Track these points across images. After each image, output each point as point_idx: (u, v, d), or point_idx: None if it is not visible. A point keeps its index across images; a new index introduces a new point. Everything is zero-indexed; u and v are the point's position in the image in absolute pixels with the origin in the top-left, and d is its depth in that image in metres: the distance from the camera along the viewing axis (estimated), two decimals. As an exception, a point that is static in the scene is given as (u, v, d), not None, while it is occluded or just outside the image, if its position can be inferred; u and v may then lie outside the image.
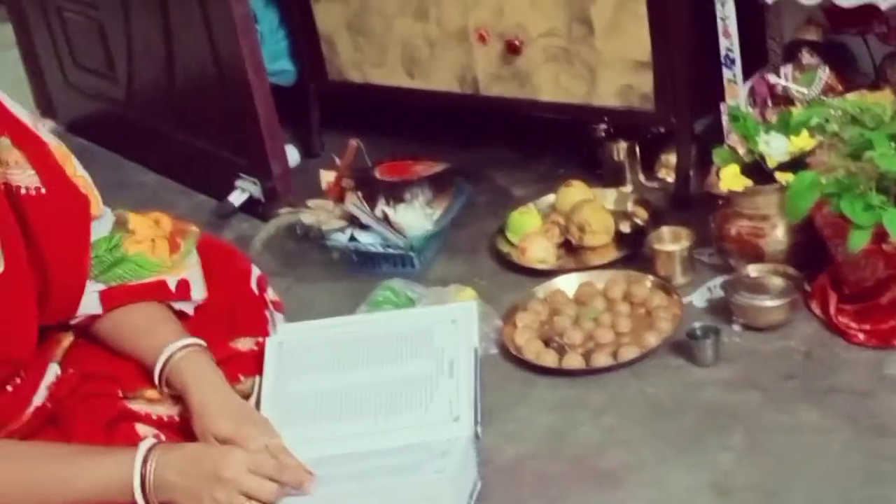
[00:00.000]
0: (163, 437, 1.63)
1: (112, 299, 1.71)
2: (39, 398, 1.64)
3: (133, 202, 2.84)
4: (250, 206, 2.66)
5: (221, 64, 2.54)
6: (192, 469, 1.54)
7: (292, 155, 2.76)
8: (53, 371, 1.68)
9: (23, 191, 1.60)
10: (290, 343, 1.85)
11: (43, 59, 3.20)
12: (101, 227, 1.73)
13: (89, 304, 1.71)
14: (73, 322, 1.72)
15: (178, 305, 1.78)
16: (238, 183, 2.65)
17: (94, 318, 1.72)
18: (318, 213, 2.44)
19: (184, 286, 1.77)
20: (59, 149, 1.71)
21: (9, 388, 1.61)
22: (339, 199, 2.46)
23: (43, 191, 1.62)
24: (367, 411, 1.74)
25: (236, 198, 2.66)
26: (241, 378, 1.77)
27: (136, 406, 1.67)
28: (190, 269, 1.80)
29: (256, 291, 1.89)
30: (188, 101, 2.73)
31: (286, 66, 2.85)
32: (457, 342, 1.80)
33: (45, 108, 3.33)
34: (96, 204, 1.73)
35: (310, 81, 2.82)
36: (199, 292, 1.80)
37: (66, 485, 1.53)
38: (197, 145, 2.76)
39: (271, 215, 2.57)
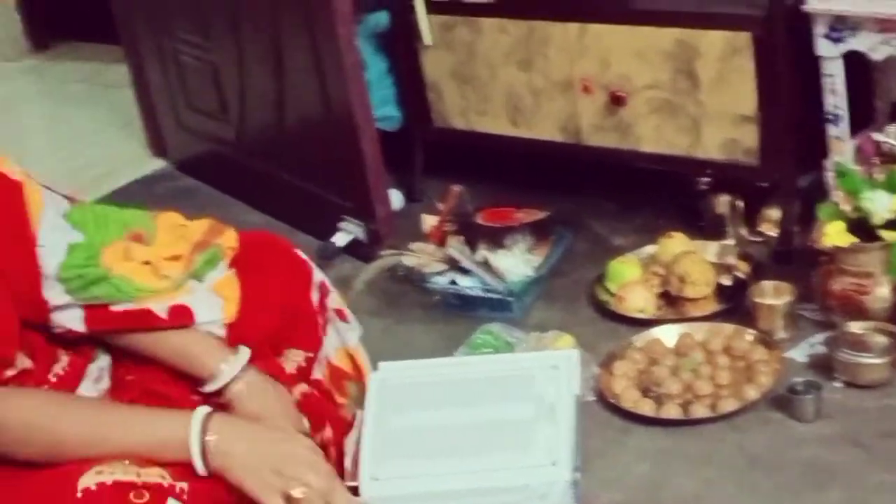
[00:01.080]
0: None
1: (96, 321, 1.64)
2: (90, 392, 1.64)
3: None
4: (353, 248, 2.71)
5: (331, 109, 2.61)
6: (261, 446, 1.53)
7: (396, 199, 2.81)
8: (106, 369, 1.69)
9: None
10: (392, 380, 1.88)
11: (157, 99, 3.31)
12: (60, 224, 1.64)
13: (69, 318, 1.64)
14: (56, 330, 1.65)
15: (204, 328, 1.70)
16: (342, 224, 2.71)
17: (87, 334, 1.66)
18: (419, 256, 2.49)
19: (180, 312, 1.66)
20: None
21: (52, 377, 1.61)
22: (441, 243, 2.50)
23: None
24: (467, 450, 1.76)
25: (340, 239, 2.71)
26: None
27: None
28: (197, 292, 1.68)
29: (317, 298, 1.84)
30: (296, 144, 2.80)
31: (392, 111, 2.91)
32: (558, 388, 1.81)
33: (157, 147, 3.43)
34: (34, 197, 1.62)
35: (415, 127, 2.88)
36: (207, 314, 1.69)
37: (119, 434, 1.50)
38: (303, 187, 2.83)
39: (374, 257, 2.63)
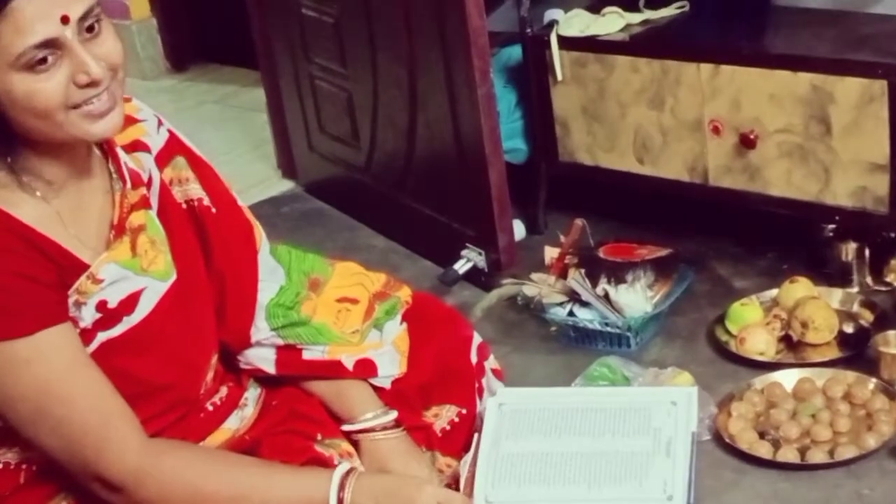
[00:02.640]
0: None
1: (287, 365, 1.75)
2: (233, 423, 1.71)
3: (361, 263, 2.99)
4: (474, 276, 2.75)
5: (461, 139, 2.66)
6: (387, 499, 1.58)
7: (518, 229, 2.84)
8: (252, 398, 1.75)
9: (205, 202, 1.66)
10: (509, 405, 1.90)
11: (290, 122, 3.40)
12: (270, 262, 1.77)
13: (262, 357, 1.75)
14: (242, 366, 1.76)
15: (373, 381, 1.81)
16: (464, 252, 2.75)
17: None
18: (539, 287, 2.52)
19: (365, 365, 1.79)
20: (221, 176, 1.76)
21: (209, 406, 1.68)
22: (562, 275, 2.53)
23: (213, 210, 1.67)
24: (581, 479, 1.77)
25: (461, 266, 2.75)
26: (424, 450, 1.82)
27: (327, 452, 1.70)
28: (378, 347, 1.80)
29: (475, 359, 1.93)
30: (424, 172, 2.86)
31: (519, 144, 2.95)
32: (675, 424, 1.82)
33: (287, 169, 3.53)
34: (259, 234, 1.76)
35: (541, 161, 2.91)
36: (388, 369, 1.81)
37: (262, 492, 1.56)
38: (428, 214, 2.88)
39: (494, 285, 2.66)
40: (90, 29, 1.42)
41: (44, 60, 1.39)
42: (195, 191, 1.67)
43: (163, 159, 1.65)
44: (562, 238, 2.59)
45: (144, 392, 1.57)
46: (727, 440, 2.05)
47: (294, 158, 3.46)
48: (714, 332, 2.40)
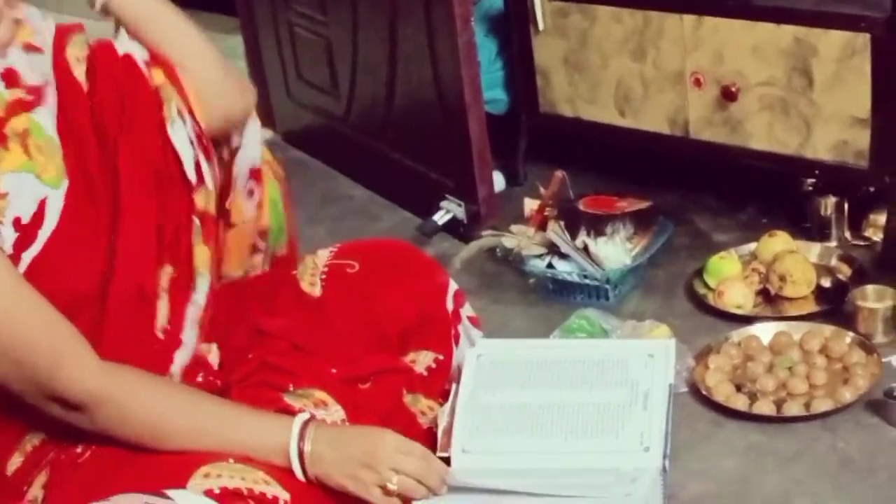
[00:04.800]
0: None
1: None
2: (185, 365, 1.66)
3: (340, 213, 3.00)
4: (453, 227, 2.74)
5: (441, 89, 2.63)
6: (347, 447, 1.57)
7: (498, 181, 2.83)
8: (214, 351, 1.72)
9: None
10: (487, 357, 1.91)
11: (268, 71, 3.36)
12: None
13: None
14: None
15: None
16: (443, 203, 2.75)
17: None
18: (519, 239, 2.51)
19: None
20: None
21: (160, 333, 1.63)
22: (541, 227, 2.52)
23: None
24: (558, 431, 1.78)
25: (440, 217, 2.74)
26: (404, 392, 1.82)
27: (298, 403, 1.68)
28: None
29: (451, 307, 1.93)
30: (404, 122, 2.84)
31: (500, 95, 2.93)
32: (653, 376, 1.83)
33: (265, 118, 3.45)
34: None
35: (521, 112, 2.89)
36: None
37: (221, 430, 1.54)
38: (407, 164, 2.87)
39: (473, 237, 2.66)
40: None
41: None
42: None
43: (59, 46, 1.61)
44: (542, 190, 2.58)
45: (75, 307, 1.53)
46: (704, 393, 2.06)
47: (272, 107, 3.43)
48: (692, 285, 2.41)
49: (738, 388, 2.06)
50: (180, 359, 1.65)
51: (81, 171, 1.57)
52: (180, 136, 1.66)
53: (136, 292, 1.59)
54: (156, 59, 1.68)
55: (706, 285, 2.39)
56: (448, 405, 1.84)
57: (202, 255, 1.68)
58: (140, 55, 1.67)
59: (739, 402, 2.02)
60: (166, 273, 1.63)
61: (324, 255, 1.90)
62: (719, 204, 2.71)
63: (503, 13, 2.85)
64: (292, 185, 2.85)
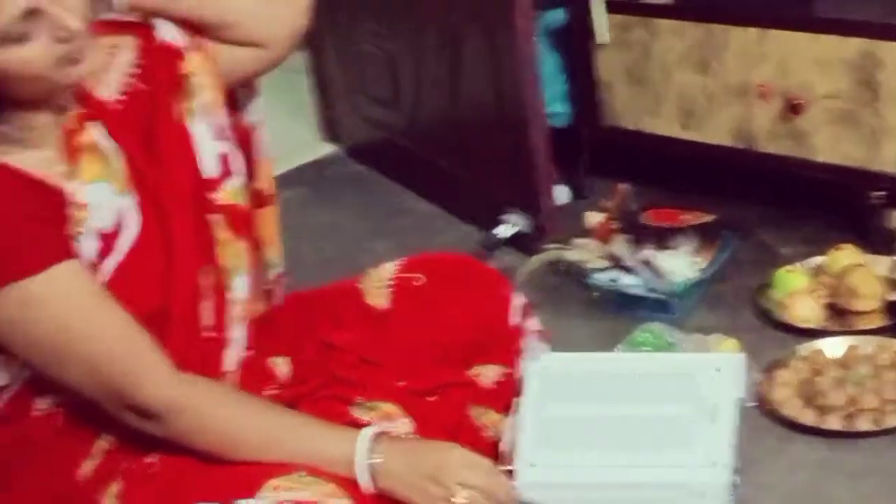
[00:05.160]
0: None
1: None
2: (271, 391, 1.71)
3: (404, 227, 3.02)
4: (516, 240, 2.74)
5: (503, 101, 2.64)
6: (416, 461, 1.57)
7: (560, 194, 2.83)
8: (283, 365, 1.75)
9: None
10: (552, 370, 1.90)
11: (332, 85, 3.40)
12: None
13: None
14: None
15: None
16: (506, 217, 2.75)
17: None
18: (582, 252, 2.51)
19: None
20: None
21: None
22: (605, 240, 2.51)
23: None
24: (625, 444, 1.78)
25: (503, 231, 2.75)
26: (470, 407, 1.82)
27: (366, 416, 1.70)
28: None
29: (517, 320, 1.92)
30: (467, 136, 2.85)
31: (562, 108, 2.93)
32: (720, 390, 1.81)
33: (329, 132, 3.53)
34: None
35: (584, 125, 2.89)
36: None
37: (293, 442, 1.56)
38: (470, 178, 2.88)
39: (536, 250, 2.65)
40: None
41: (26, 35, 1.44)
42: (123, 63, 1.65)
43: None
44: (605, 203, 2.58)
45: (156, 317, 1.57)
46: (772, 407, 2.04)
47: (336, 121, 3.46)
48: (759, 298, 2.39)
49: (807, 403, 2.05)
50: (231, 358, 1.68)
51: (138, 179, 1.60)
52: (200, 130, 1.68)
53: (190, 297, 1.62)
54: (194, 42, 1.69)
55: (773, 299, 2.37)
56: (512, 418, 1.84)
57: (233, 250, 1.69)
58: (180, 41, 1.68)
59: (808, 417, 2.01)
60: (205, 273, 1.65)
61: (390, 269, 1.90)
62: (785, 217, 2.69)
63: (565, 27, 2.85)
64: (355, 199, 2.87)
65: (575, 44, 2.81)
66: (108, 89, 1.62)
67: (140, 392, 1.50)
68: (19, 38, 1.44)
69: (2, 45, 1.44)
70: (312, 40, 3.41)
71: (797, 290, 2.34)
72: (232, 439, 1.55)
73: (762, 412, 2.06)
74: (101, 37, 1.61)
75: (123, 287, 1.54)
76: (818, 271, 2.40)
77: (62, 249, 1.50)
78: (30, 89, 1.49)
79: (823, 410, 2.02)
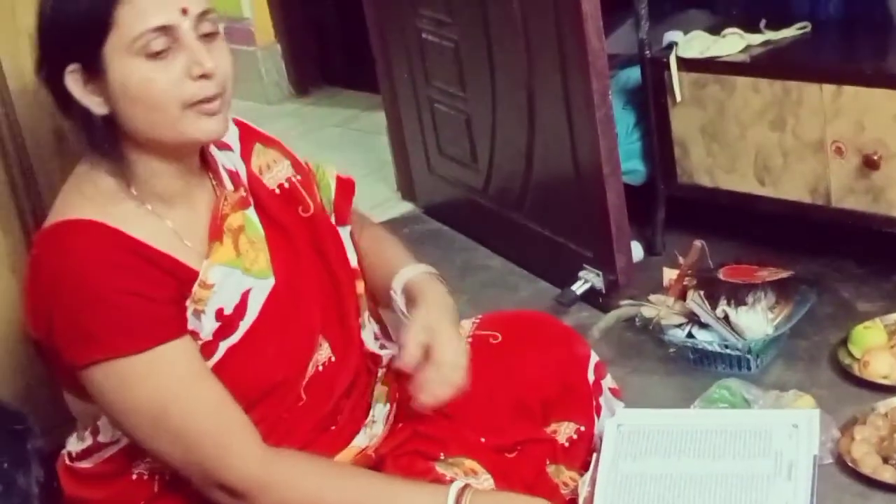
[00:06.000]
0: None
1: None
2: (362, 440, 1.73)
3: (479, 283, 3.05)
4: (591, 297, 2.76)
5: (579, 160, 2.67)
6: None
7: (636, 250, 2.84)
8: (381, 414, 1.77)
9: (293, 178, 1.71)
10: (628, 426, 1.92)
11: (410, 145, 3.45)
12: None
13: None
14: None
15: None
16: (582, 273, 2.76)
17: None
18: (658, 308, 2.52)
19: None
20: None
21: (333, 427, 1.71)
22: (681, 296, 2.52)
23: (297, 178, 1.72)
24: (701, 501, 1.78)
25: (579, 287, 2.76)
26: (547, 463, 1.83)
27: (449, 472, 1.71)
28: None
29: (593, 378, 1.95)
30: (542, 193, 2.88)
31: (637, 166, 2.95)
32: (797, 447, 1.81)
33: (406, 191, 3.58)
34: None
35: (659, 182, 2.91)
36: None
37: (381, 502, 1.59)
38: (545, 234, 2.90)
39: (611, 306, 2.67)
40: (207, 36, 1.50)
41: (161, 52, 1.46)
42: (283, 171, 1.71)
43: (246, 152, 1.69)
44: (680, 259, 2.58)
45: (261, 393, 1.61)
46: (850, 464, 2.03)
47: (413, 180, 3.52)
48: (836, 354, 2.37)
49: (886, 460, 2.02)
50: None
51: (281, 266, 1.65)
52: (344, 230, 1.77)
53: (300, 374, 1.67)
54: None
55: (851, 355, 2.35)
56: (589, 475, 1.85)
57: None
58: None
59: (887, 475, 1.99)
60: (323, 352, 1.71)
61: (467, 326, 1.94)
62: (862, 272, 2.67)
63: (640, 85, 2.88)
64: (432, 256, 2.92)
65: (650, 102, 2.84)
66: (268, 182, 1.69)
67: (227, 471, 1.53)
68: (154, 54, 1.46)
69: (132, 52, 1.46)
70: (390, 102, 3.49)
71: (875, 346, 2.32)
72: None
73: (840, 469, 2.04)
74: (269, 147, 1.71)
75: (237, 365, 1.58)
76: (897, 327, 2.39)
77: (174, 329, 1.52)
78: (148, 124, 1.49)
79: (903, 468, 2.00)
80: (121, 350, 1.49)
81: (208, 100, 1.50)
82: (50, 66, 1.51)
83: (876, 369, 2.27)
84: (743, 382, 2.28)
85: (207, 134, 1.53)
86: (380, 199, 3.62)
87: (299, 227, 1.69)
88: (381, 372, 1.82)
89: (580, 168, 2.68)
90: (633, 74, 2.92)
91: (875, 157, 2.45)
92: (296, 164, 1.74)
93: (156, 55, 1.47)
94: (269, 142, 1.74)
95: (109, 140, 1.51)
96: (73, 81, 1.49)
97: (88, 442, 1.64)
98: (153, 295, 1.50)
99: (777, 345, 2.43)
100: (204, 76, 1.48)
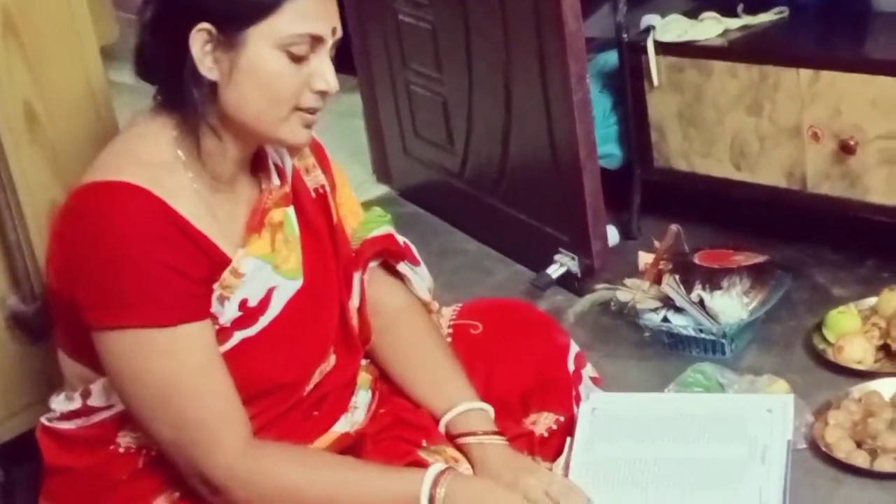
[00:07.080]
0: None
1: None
2: (342, 426, 1.72)
3: (455, 267, 3.04)
4: (567, 280, 2.76)
5: (555, 144, 2.66)
6: (481, 497, 1.60)
7: (612, 235, 2.84)
8: (363, 402, 1.77)
9: (327, 188, 1.74)
10: (602, 410, 1.91)
11: (386, 128, 3.44)
12: None
13: None
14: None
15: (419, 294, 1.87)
16: (557, 257, 2.76)
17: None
18: (633, 292, 2.51)
19: (409, 246, 1.89)
20: None
21: (315, 413, 1.70)
22: (656, 280, 2.52)
23: (327, 188, 1.75)
24: (675, 485, 1.78)
25: (554, 271, 2.76)
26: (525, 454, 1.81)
27: (431, 458, 1.70)
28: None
29: (573, 367, 1.95)
30: (518, 177, 2.87)
31: (614, 150, 2.95)
32: (771, 431, 1.81)
33: (382, 174, 3.57)
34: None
35: (636, 167, 2.91)
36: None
37: (355, 487, 1.59)
38: (521, 218, 2.89)
39: (587, 290, 2.67)
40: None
41: (300, 57, 1.50)
42: (318, 177, 1.74)
43: (292, 150, 1.71)
44: (656, 243, 2.58)
45: (264, 391, 1.61)
46: (824, 449, 2.03)
47: (389, 163, 3.50)
48: (811, 339, 2.38)
49: (859, 445, 2.03)
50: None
51: (310, 270, 1.66)
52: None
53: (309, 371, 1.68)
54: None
55: (825, 340, 2.36)
56: (563, 459, 1.85)
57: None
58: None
59: (860, 459, 1.99)
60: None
61: (447, 314, 1.94)
62: (838, 258, 2.68)
63: (617, 69, 2.88)
64: (408, 239, 2.90)
65: (627, 86, 2.84)
66: (308, 184, 1.71)
67: (209, 465, 1.53)
68: (294, 57, 1.50)
69: (279, 47, 1.49)
70: (366, 84, 3.47)
71: (850, 331, 2.33)
72: (295, 501, 1.57)
73: (814, 454, 2.05)
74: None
75: (242, 359, 1.58)
76: (871, 312, 2.39)
77: (201, 309, 1.53)
78: (255, 113, 1.51)
79: (875, 452, 2.00)
80: (148, 320, 1.48)
81: (313, 111, 1.55)
82: (183, 15, 1.50)
83: (850, 354, 2.28)
84: (718, 367, 2.28)
85: (298, 141, 1.58)
86: (355, 182, 3.58)
87: (328, 235, 1.72)
88: (364, 361, 1.82)
89: (557, 151, 2.67)
90: (611, 58, 2.92)
91: (851, 143, 2.45)
92: (327, 173, 1.76)
93: (296, 57, 1.51)
94: (314, 147, 1.77)
95: (206, 105, 1.52)
96: (198, 39, 1.50)
97: (77, 404, 1.62)
98: (189, 272, 1.50)
99: (752, 329, 2.43)
100: (323, 92, 1.54)
